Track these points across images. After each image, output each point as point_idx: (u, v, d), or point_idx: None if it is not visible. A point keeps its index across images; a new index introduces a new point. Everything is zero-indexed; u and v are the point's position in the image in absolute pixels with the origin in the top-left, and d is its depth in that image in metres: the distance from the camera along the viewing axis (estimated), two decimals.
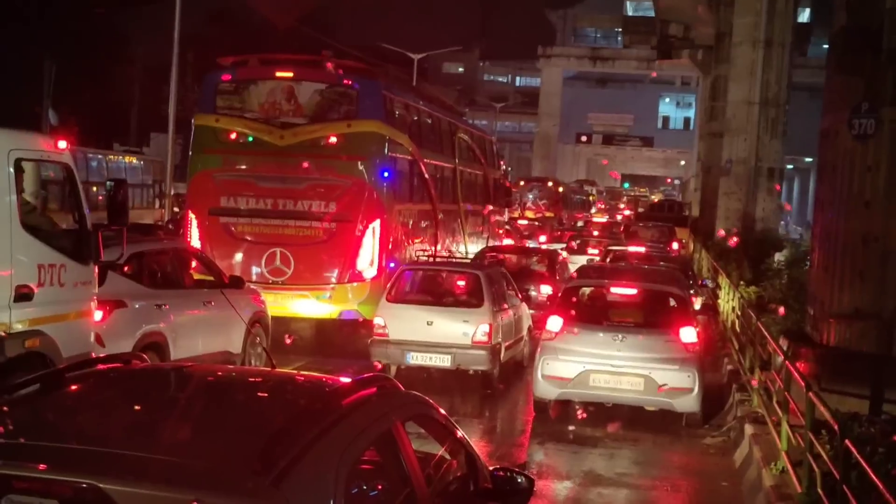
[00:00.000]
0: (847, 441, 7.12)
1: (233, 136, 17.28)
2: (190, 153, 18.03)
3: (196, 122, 17.82)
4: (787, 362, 10.32)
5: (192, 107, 19.91)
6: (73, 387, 4.36)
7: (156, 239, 13.51)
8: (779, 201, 30.83)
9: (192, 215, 17.30)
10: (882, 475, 6.43)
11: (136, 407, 4.38)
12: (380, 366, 14.64)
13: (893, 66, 12.65)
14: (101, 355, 6.41)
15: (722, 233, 32.33)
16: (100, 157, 37.09)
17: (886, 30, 12.71)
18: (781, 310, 16.62)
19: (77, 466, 3.53)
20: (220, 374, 5.53)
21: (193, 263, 13.73)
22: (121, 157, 38.33)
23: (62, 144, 9.53)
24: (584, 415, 13.41)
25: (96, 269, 9.89)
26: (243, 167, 17.31)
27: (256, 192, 17.02)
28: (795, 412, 9.60)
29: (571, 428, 13.06)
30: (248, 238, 16.98)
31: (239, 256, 16.92)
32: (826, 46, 16.52)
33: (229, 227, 17.04)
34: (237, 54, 18.53)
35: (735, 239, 29.89)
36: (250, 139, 17.22)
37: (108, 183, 10.03)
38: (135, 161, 38.59)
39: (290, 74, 17.56)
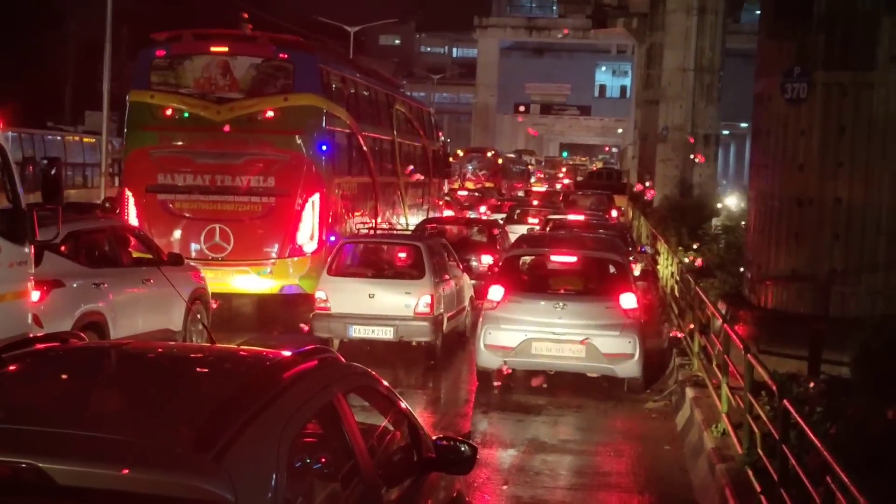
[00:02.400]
0: (786, 401, 7.24)
1: (168, 112, 17.08)
2: (125, 130, 17.77)
3: (131, 98, 17.57)
4: (725, 325, 10.47)
5: (128, 83, 19.58)
6: (11, 367, 4.29)
7: (93, 217, 13.31)
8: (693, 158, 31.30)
9: (128, 193, 17.08)
10: (820, 434, 6.54)
11: (76, 385, 4.32)
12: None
13: (825, 30, 12.81)
14: (39, 335, 6.31)
15: (640, 186, 32.84)
16: (59, 137, 36.72)
17: None
18: (699, 261, 16.90)
19: (16, 446, 3.48)
20: (159, 350, 5.49)
21: (132, 241, 13.56)
22: (78, 137, 37.87)
23: None
24: (509, 371, 13.38)
25: (32, 249, 9.74)
26: (180, 143, 17.11)
27: (194, 169, 16.85)
28: (735, 375, 9.75)
29: (515, 396, 13.14)
30: (187, 215, 16.82)
31: (178, 233, 16.76)
32: (759, 12, 16.68)
33: (167, 204, 16.85)
34: (172, 29, 18.27)
35: (651, 192, 30.40)
36: (186, 115, 17.03)
37: (42, 161, 9.87)
38: (94, 141, 38.27)
39: (225, 49, 17.36)
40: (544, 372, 13.39)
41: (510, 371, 13.39)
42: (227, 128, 16.76)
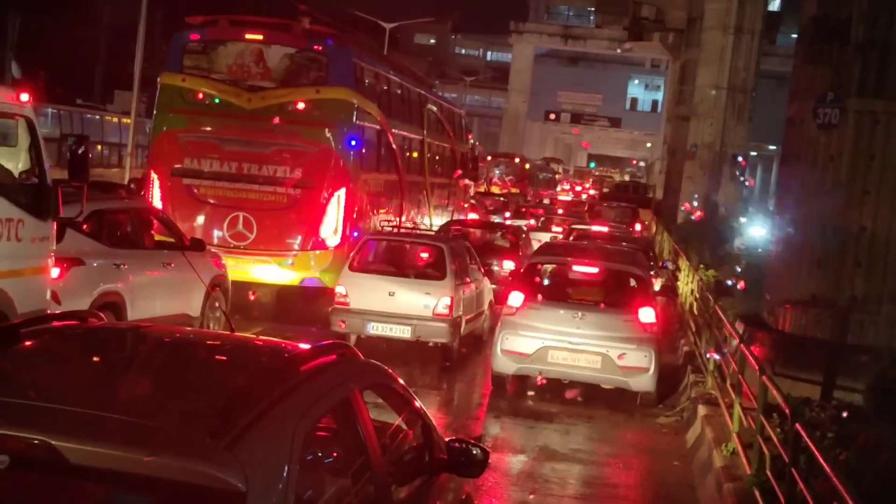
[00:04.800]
0: (797, 425, 7.21)
1: (199, 96, 17.11)
2: (154, 112, 17.83)
3: (162, 80, 17.61)
4: (741, 346, 10.43)
5: (159, 66, 19.69)
6: (28, 343, 4.31)
7: (117, 197, 13.37)
8: (740, 181, 31.27)
9: (154, 175, 17.12)
10: (830, 460, 6.52)
11: (92, 365, 4.34)
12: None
13: (860, 58, 12.77)
14: (57, 312, 6.35)
15: (687, 206, 32.69)
16: (97, 116, 37.09)
17: (855, 22, 12.82)
18: (742, 283, 16.79)
19: (30, 423, 3.49)
20: (177, 335, 5.49)
21: (154, 224, 13.59)
22: (117, 118, 38.25)
23: (24, 97, 9.39)
24: (544, 381, 13.41)
25: (55, 226, 9.78)
26: (208, 129, 17.13)
27: (221, 155, 16.87)
28: (748, 395, 9.71)
29: (528, 403, 13.13)
30: (211, 201, 16.84)
31: (201, 219, 16.77)
32: (795, 36, 16.63)
33: (192, 188, 16.88)
34: (207, 14, 18.34)
35: (699, 213, 30.29)
36: (217, 101, 17.06)
37: (69, 138, 9.92)
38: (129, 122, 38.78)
39: (260, 37, 17.39)
40: (560, 381, 13.37)
41: (545, 381, 13.38)
42: (269, 120, 16.74)
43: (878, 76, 12.68)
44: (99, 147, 35.52)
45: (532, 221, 32.29)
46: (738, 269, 18.94)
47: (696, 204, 31.88)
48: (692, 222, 29.92)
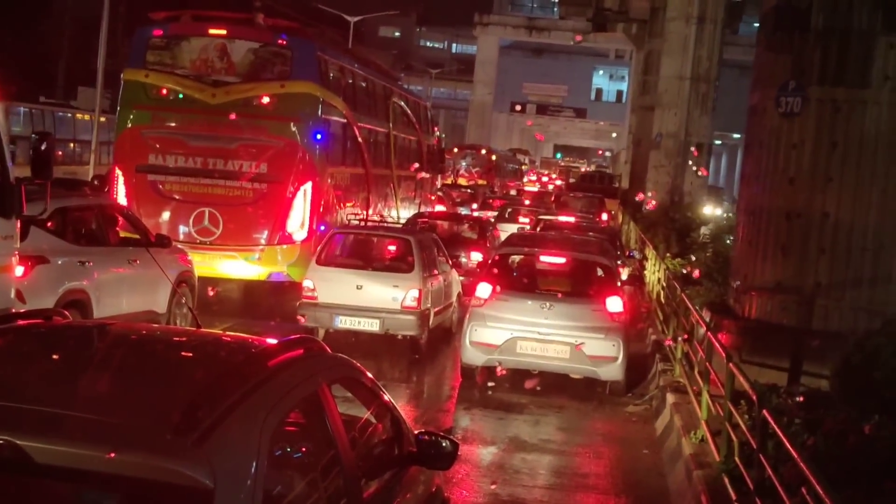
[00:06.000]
0: (765, 411, 7.27)
1: (163, 92, 17.03)
2: (118, 108, 17.71)
3: (125, 76, 17.51)
4: (708, 333, 10.49)
5: (123, 61, 19.55)
6: None
7: (81, 195, 13.26)
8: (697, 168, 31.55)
9: (119, 172, 17.02)
10: (798, 445, 6.57)
11: (57, 363, 4.30)
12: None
13: (821, 46, 12.86)
14: (22, 311, 6.28)
15: (641, 195, 32.97)
16: (69, 114, 36.97)
17: (815, 9, 12.91)
18: (697, 272, 16.93)
19: None
20: (143, 332, 5.45)
21: (119, 221, 13.50)
22: (89, 116, 38.15)
23: None
24: (504, 371, 13.45)
25: (18, 224, 9.68)
26: (173, 124, 17.05)
27: (186, 151, 16.79)
28: (716, 382, 9.78)
29: (498, 394, 13.15)
30: (177, 197, 16.76)
31: (166, 215, 16.70)
32: (757, 25, 16.73)
33: (157, 184, 16.79)
34: (170, 9, 18.22)
35: (653, 203, 30.54)
36: (181, 96, 16.97)
37: (32, 136, 9.82)
38: (104, 120, 38.56)
39: (224, 32, 17.32)
40: (528, 372, 13.41)
41: (505, 371, 13.41)
42: (233, 115, 16.65)
43: (839, 64, 12.78)
44: (71, 145, 35.31)
45: (493, 214, 32.27)
46: (693, 258, 19.09)
47: (650, 194, 32.18)
48: (659, 211, 30.05)
